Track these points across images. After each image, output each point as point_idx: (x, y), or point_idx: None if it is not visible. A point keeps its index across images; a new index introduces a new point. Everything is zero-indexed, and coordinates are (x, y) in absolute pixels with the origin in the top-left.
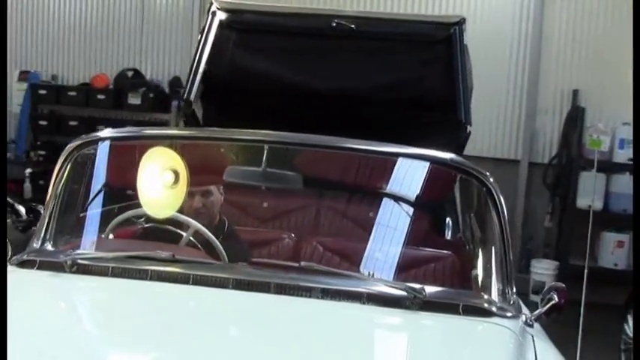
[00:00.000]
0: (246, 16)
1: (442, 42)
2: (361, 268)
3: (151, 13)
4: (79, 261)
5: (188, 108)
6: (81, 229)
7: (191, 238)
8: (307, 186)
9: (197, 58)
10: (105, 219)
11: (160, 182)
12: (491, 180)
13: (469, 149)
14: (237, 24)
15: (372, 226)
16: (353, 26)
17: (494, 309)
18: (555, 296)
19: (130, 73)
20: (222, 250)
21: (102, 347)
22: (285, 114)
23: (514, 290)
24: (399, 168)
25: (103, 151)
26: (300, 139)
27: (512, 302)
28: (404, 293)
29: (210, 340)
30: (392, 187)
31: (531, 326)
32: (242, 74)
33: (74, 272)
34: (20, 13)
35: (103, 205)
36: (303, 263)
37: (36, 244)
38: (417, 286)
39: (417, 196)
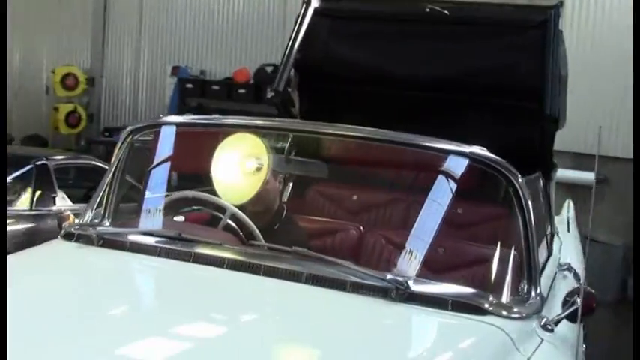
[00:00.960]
0: (341, 3)
1: (536, 27)
2: (409, 261)
3: (293, 9)
4: (105, 236)
5: (277, 98)
6: (133, 209)
7: (229, 221)
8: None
9: (289, 48)
10: (156, 201)
11: (241, 169)
12: (519, 179)
13: (600, 148)
14: (332, 11)
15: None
16: (446, 12)
17: (489, 307)
18: (578, 300)
19: (269, 68)
20: (258, 233)
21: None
22: (378, 102)
23: (538, 292)
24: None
25: (164, 136)
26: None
27: (527, 303)
28: (388, 284)
29: (165, 311)
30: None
31: (550, 330)
32: (335, 63)
33: (100, 245)
34: (173, 13)
35: (156, 189)
36: (294, 247)
37: (83, 219)
38: (400, 278)
39: (440, 190)
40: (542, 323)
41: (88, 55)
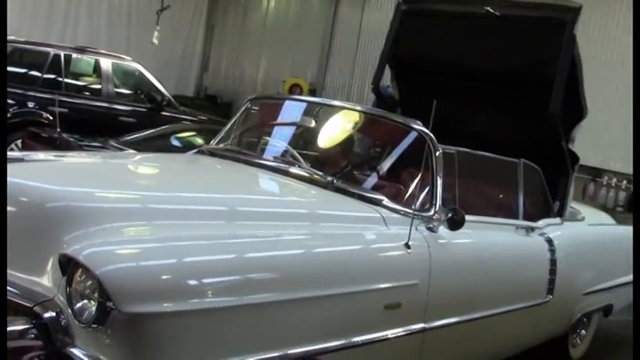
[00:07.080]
0: (422, 4)
1: (558, 26)
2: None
3: None
4: (210, 149)
5: (374, 90)
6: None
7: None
8: None
9: (384, 47)
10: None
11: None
12: (434, 147)
13: None
14: (416, 12)
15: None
16: (497, 13)
17: (378, 200)
18: (451, 214)
19: None
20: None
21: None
22: (455, 92)
23: (437, 209)
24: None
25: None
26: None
27: (420, 211)
28: (323, 179)
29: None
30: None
31: (432, 230)
32: (418, 57)
33: (207, 154)
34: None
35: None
36: (289, 154)
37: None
38: (330, 177)
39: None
40: (428, 225)
41: (314, 70)
